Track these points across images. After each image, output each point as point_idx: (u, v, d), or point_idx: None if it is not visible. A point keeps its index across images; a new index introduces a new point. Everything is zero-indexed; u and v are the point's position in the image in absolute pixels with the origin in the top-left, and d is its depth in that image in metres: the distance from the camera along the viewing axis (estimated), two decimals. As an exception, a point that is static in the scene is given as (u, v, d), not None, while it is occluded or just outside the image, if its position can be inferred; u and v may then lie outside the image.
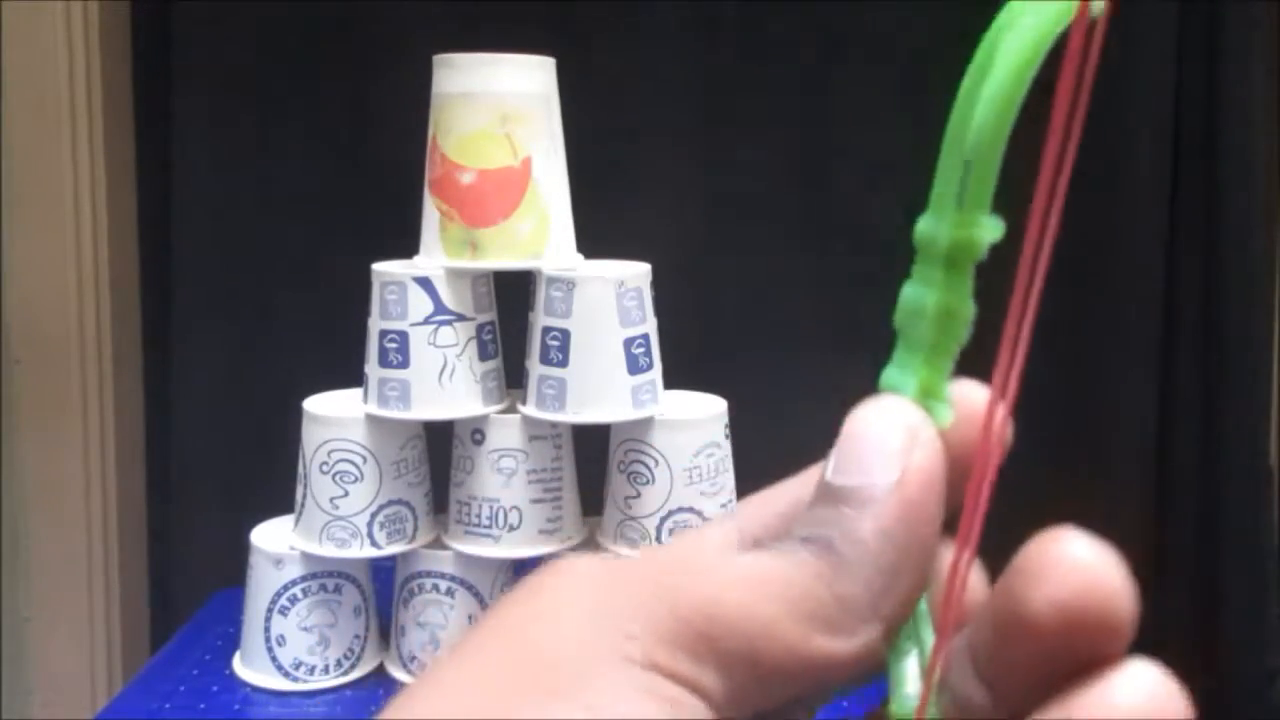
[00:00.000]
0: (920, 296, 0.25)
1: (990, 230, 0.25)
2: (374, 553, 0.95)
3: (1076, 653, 0.23)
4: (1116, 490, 1.34)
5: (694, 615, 0.22)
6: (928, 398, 0.25)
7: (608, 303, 0.91)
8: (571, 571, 0.24)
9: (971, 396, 0.26)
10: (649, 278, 0.94)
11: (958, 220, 0.25)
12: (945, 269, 0.25)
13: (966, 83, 0.25)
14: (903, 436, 0.24)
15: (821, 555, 0.23)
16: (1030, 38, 0.24)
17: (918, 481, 0.24)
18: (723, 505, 0.95)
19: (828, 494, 0.24)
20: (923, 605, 0.25)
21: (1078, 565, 0.23)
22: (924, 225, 0.26)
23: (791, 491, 0.26)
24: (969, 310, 0.25)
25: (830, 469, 0.25)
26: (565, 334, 0.91)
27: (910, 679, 0.25)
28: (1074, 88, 0.24)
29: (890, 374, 0.26)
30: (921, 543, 0.24)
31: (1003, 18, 0.25)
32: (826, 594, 0.23)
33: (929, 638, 0.25)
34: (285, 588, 0.95)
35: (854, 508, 0.24)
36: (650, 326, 0.94)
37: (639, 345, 0.92)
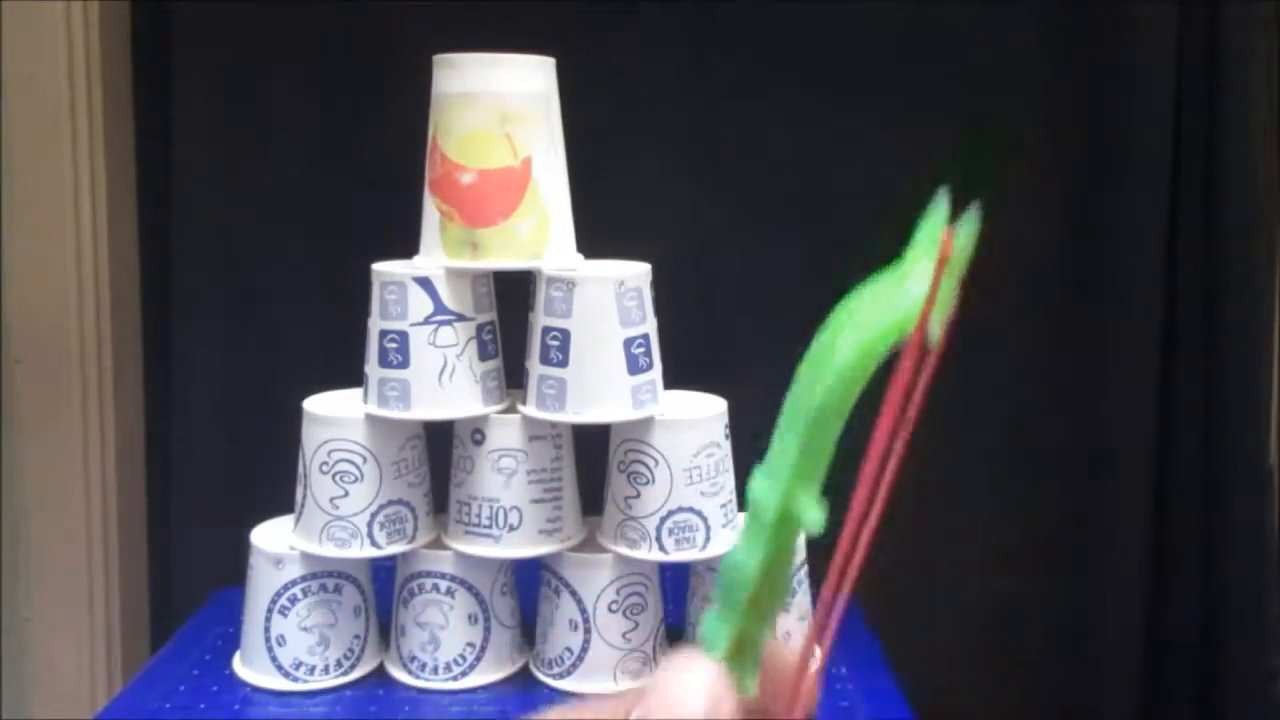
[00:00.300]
0: (745, 558, 0.27)
1: (813, 514, 0.27)
2: (374, 553, 0.95)
3: None
4: (1116, 491, 1.34)
5: None
6: (740, 653, 0.28)
7: (608, 303, 0.91)
8: None
9: (777, 655, 0.28)
10: (649, 278, 0.94)
11: (788, 492, 0.27)
12: (773, 534, 0.27)
13: (808, 362, 0.26)
14: (702, 709, 0.26)
15: None
16: (864, 347, 0.25)
17: None
18: (722, 505, 0.95)
19: None
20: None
21: None
22: (758, 487, 0.28)
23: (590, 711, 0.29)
24: (787, 581, 0.28)
25: (637, 714, 0.27)
26: (565, 334, 0.91)
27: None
28: (899, 410, 0.25)
29: (709, 624, 0.28)
30: None
31: (845, 313, 0.26)
32: None
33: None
34: (285, 588, 0.95)
35: None
36: (650, 326, 0.94)
37: (639, 345, 0.92)
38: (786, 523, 0.27)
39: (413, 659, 0.97)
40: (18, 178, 1.26)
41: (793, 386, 0.27)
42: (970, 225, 0.24)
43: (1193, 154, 1.30)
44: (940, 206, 0.24)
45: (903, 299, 0.24)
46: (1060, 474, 1.36)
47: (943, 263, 0.24)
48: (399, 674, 0.98)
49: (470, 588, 0.96)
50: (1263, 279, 1.30)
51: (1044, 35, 1.31)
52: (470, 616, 0.97)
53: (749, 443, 1.01)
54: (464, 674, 0.97)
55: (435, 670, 0.97)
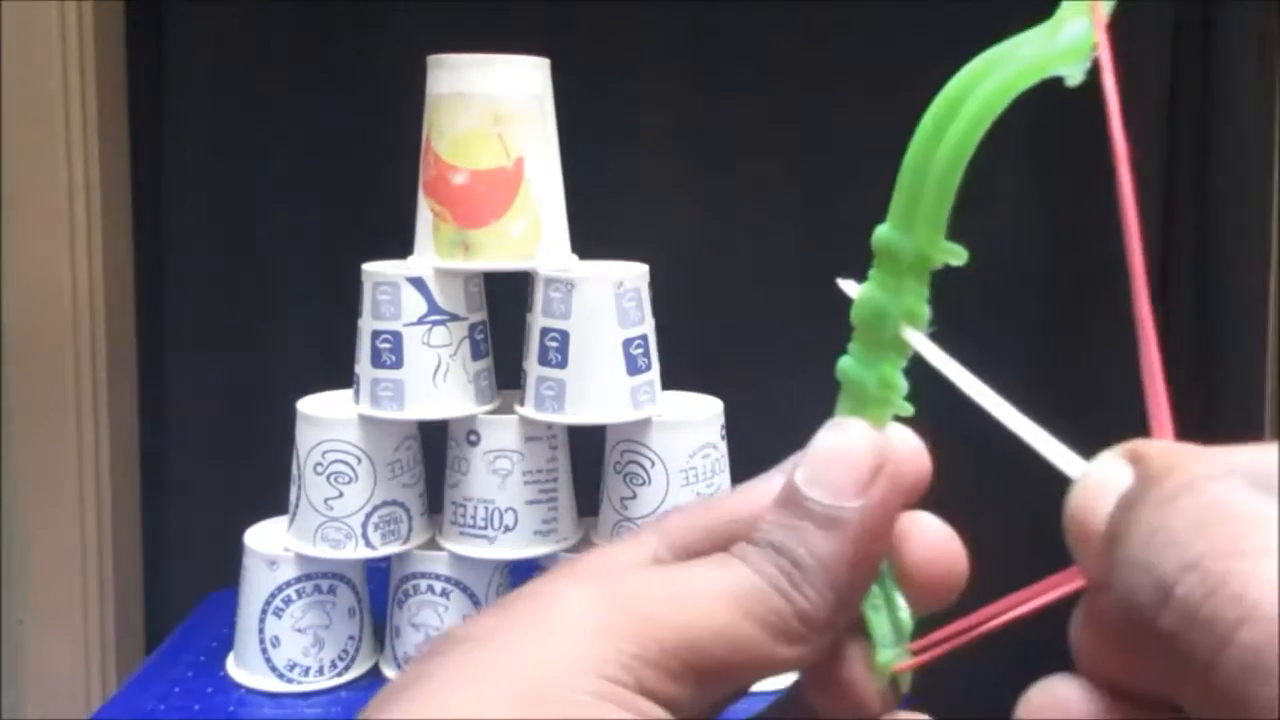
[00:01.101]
0: (885, 300, 0.27)
1: (949, 256, 0.27)
2: (369, 554, 0.94)
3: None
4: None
5: (679, 646, 0.25)
6: (886, 389, 0.28)
7: (607, 303, 0.90)
8: (572, 596, 0.25)
9: (899, 436, 0.28)
10: (647, 278, 0.94)
11: (925, 237, 0.27)
12: (909, 276, 0.27)
13: (941, 106, 0.26)
14: (870, 468, 0.26)
15: (786, 569, 0.26)
16: (1006, 81, 0.26)
17: (878, 512, 0.26)
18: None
19: (797, 504, 0.26)
20: (884, 566, 0.28)
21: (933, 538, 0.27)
22: (887, 234, 0.27)
23: (727, 505, 0.28)
24: (926, 314, 0.27)
25: (802, 477, 0.26)
26: (564, 335, 0.91)
27: (886, 636, 0.28)
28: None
29: (850, 366, 0.28)
30: (873, 563, 0.27)
31: (985, 62, 0.27)
32: (789, 609, 0.25)
33: (894, 595, 0.28)
34: (279, 589, 0.95)
35: (820, 526, 0.26)
36: (649, 327, 0.94)
37: (638, 346, 0.92)
38: (924, 263, 0.27)
39: (408, 660, 0.97)
40: (12, 180, 1.25)
41: (915, 138, 0.27)
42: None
43: (1188, 153, 1.30)
44: None
45: (1060, 41, 0.26)
46: (1056, 478, 1.36)
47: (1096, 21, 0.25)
48: (394, 675, 0.98)
49: (465, 589, 0.96)
50: (1257, 280, 1.30)
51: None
52: (465, 618, 0.96)
53: (745, 444, 1.01)
54: (459, 675, 0.96)
55: (430, 672, 0.96)
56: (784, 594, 0.25)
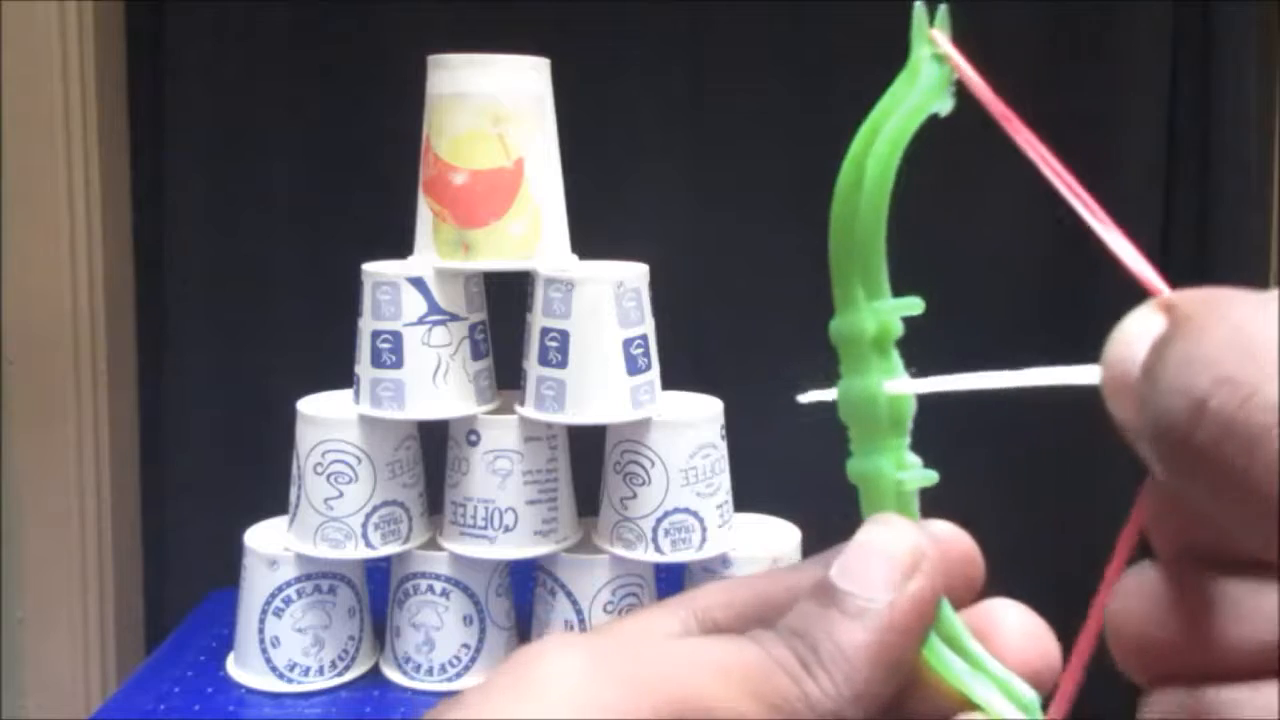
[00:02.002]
0: (865, 387, 0.27)
1: (904, 311, 0.27)
2: (369, 554, 0.94)
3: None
4: (1111, 493, 1.34)
5: (670, 716, 0.24)
6: (901, 470, 0.27)
7: (607, 303, 0.90)
8: (556, 659, 0.25)
9: (958, 538, 0.28)
10: (647, 278, 0.94)
11: (872, 310, 0.27)
12: (875, 354, 0.27)
13: (841, 188, 0.28)
14: (907, 561, 0.26)
15: (801, 653, 0.25)
16: (891, 139, 0.27)
17: (910, 607, 0.25)
18: (719, 506, 0.95)
19: (826, 593, 0.26)
20: (971, 645, 0.27)
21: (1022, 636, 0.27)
22: (841, 324, 0.28)
23: (761, 586, 0.28)
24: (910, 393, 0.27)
25: (836, 568, 0.26)
26: (564, 335, 0.91)
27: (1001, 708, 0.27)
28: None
29: (858, 464, 0.28)
30: (900, 662, 0.25)
31: (868, 126, 0.28)
32: (795, 692, 0.25)
33: (991, 663, 0.27)
34: (279, 589, 0.95)
35: (847, 615, 0.25)
36: (649, 327, 0.94)
37: (638, 346, 0.92)
38: (885, 336, 0.27)
39: (407, 660, 0.97)
40: (12, 179, 1.25)
41: (833, 223, 0.28)
42: (942, 19, 0.27)
43: (1187, 153, 1.30)
44: (918, 16, 0.27)
45: (915, 94, 0.27)
46: (1057, 480, 1.36)
47: (947, 48, 0.27)
48: (394, 675, 0.98)
49: (465, 589, 0.96)
50: (1257, 280, 1.30)
51: (1042, 36, 1.31)
52: (465, 618, 0.96)
53: (745, 444, 1.01)
54: (459, 675, 0.97)
55: (430, 671, 0.97)
56: (794, 677, 0.25)
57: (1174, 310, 0.22)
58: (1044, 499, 1.37)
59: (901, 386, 0.27)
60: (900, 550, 0.26)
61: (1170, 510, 0.24)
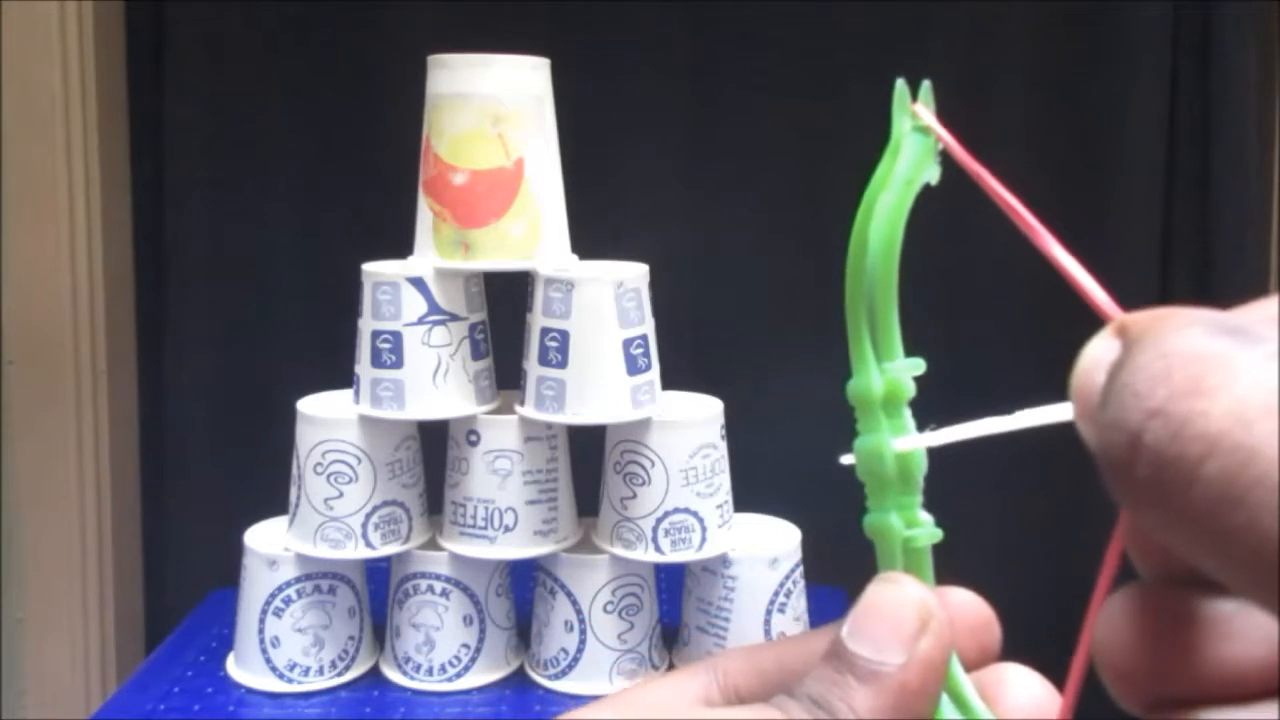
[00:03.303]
0: (874, 445, 0.29)
1: (911, 372, 0.29)
2: (369, 554, 0.94)
3: None
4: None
5: None
6: (911, 528, 0.28)
7: (607, 304, 0.90)
8: None
9: (972, 604, 0.28)
10: (647, 278, 0.94)
11: (882, 371, 0.29)
12: (886, 416, 0.29)
13: (850, 260, 0.29)
14: (915, 623, 0.26)
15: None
16: (890, 210, 0.29)
17: (921, 669, 0.26)
18: (719, 506, 0.95)
19: (840, 656, 0.26)
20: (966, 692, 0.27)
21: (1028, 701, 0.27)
22: (854, 385, 0.29)
23: (781, 651, 0.29)
24: (921, 451, 0.28)
25: (847, 630, 0.26)
26: (564, 335, 0.91)
27: None
28: None
29: (874, 520, 0.29)
30: (915, 715, 0.26)
31: (867, 200, 0.29)
32: None
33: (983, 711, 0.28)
34: (279, 589, 0.95)
35: (860, 679, 0.26)
36: (649, 327, 0.94)
37: (638, 346, 0.92)
38: (895, 397, 0.29)
39: (407, 660, 0.97)
40: (12, 178, 1.25)
41: (847, 293, 0.29)
42: (925, 93, 0.29)
43: (1188, 152, 1.30)
44: (900, 93, 0.29)
45: (901, 167, 0.29)
46: (1055, 479, 1.36)
47: (930, 122, 0.29)
48: (394, 675, 0.98)
49: (465, 589, 0.96)
50: (1257, 282, 1.30)
51: (1042, 38, 1.31)
52: (465, 618, 0.96)
53: (745, 444, 1.01)
54: (459, 675, 0.97)
55: (430, 671, 0.97)
56: None
57: (1126, 334, 0.22)
58: (1050, 497, 1.37)
59: (909, 443, 0.28)
60: (908, 611, 0.26)
61: (1146, 534, 0.24)
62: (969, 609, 0.28)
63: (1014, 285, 1.34)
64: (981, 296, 1.32)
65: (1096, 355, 0.22)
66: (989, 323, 1.33)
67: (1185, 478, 0.19)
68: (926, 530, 0.29)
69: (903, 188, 0.29)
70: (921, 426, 0.29)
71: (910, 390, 0.29)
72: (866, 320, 0.29)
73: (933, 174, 0.29)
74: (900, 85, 0.29)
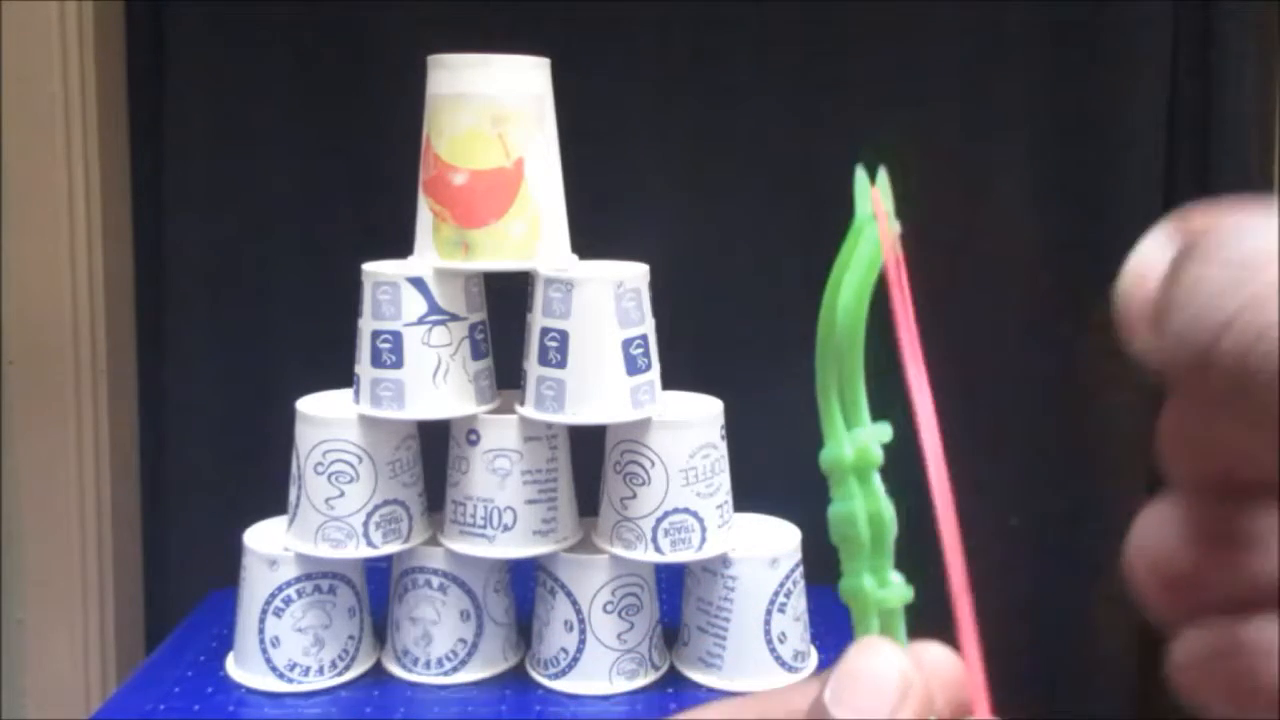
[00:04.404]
0: (846, 510, 0.30)
1: (878, 439, 0.30)
2: (370, 553, 0.94)
3: None
4: (1111, 492, 1.34)
5: None
6: (881, 589, 0.30)
7: (606, 303, 0.91)
8: None
9: (946, 661, 0.29)
10: (647, 278, 0.94)
11: (851, 439, 0.30)
12: (857, 481, 0.30)
13: (819, 336, 0.31)
14: (896, 693, 0.26)
15: None
16: (854, 288, 0.30)
17: None
18: (718, 506, 0.95)
19: None
20: None
21: None
22: (826, 454, 0.31)
23: (762, 705, 0.28)
24: (889, 509, 0.30)
25: (829, 696, 0.26)
26: (564, 335, 0.91)
27: None
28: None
29: (847, 584, 0.31)
30: None
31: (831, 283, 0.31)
32: None
33: None
34: (280, 589, 0.95)
35: None
36: (649, 327, 0.94)
37: (638, 346, 0.92)
38: (865, 464, 0.30)
39: (406, 653, 0.97)
40: (12, 180, 1.25)
41: (817, 366, 0.31)
42: (882, 180, 0.31)
43: (1187, 150, 1.30)
44: (860, 181, 0.31)
45: (863, 251, 0.30)
46: (1055, 476, 1.36)
47: (880, 211, 0.30)
48: (393, 668, 0.98)
49: (462, 584, 0.96)
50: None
51: (1042, 36, 1.31)
52: (463, 613, 0.96)
53: (745, 444, 1.01)
54: (455, 669, 0.97)
55: (427, 665, 0.97)
56: None
57: (1190, 231, 0.21)
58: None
59: (892, 593, 0.30)
60: (889, 680, 0.27)
61: (1193, 437, 0.23)
62: (942, 666, 0.28)
63: (1010, 283, 1.34)
64: (977, 296, 1.32)
65: (1150, 258, 0.22)
66: (983, 323, 1.33)
67: (1267, 384, 0.19)
68: (898, 590, 0.30)
69: (865, 269, 0.30)
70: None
71: (879, 457, 0.30)
72: (836, 392, 0.31)
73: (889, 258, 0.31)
74: (860, 173, 0.31)
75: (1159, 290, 0.21)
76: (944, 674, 0.28)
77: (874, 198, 0.31)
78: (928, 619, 0.31)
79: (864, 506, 0.30)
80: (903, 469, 0.31)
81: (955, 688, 0.28)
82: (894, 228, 0.30)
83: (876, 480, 0.30)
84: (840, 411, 0.30)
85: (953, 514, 0.28)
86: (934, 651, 0.28)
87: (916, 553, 0.31)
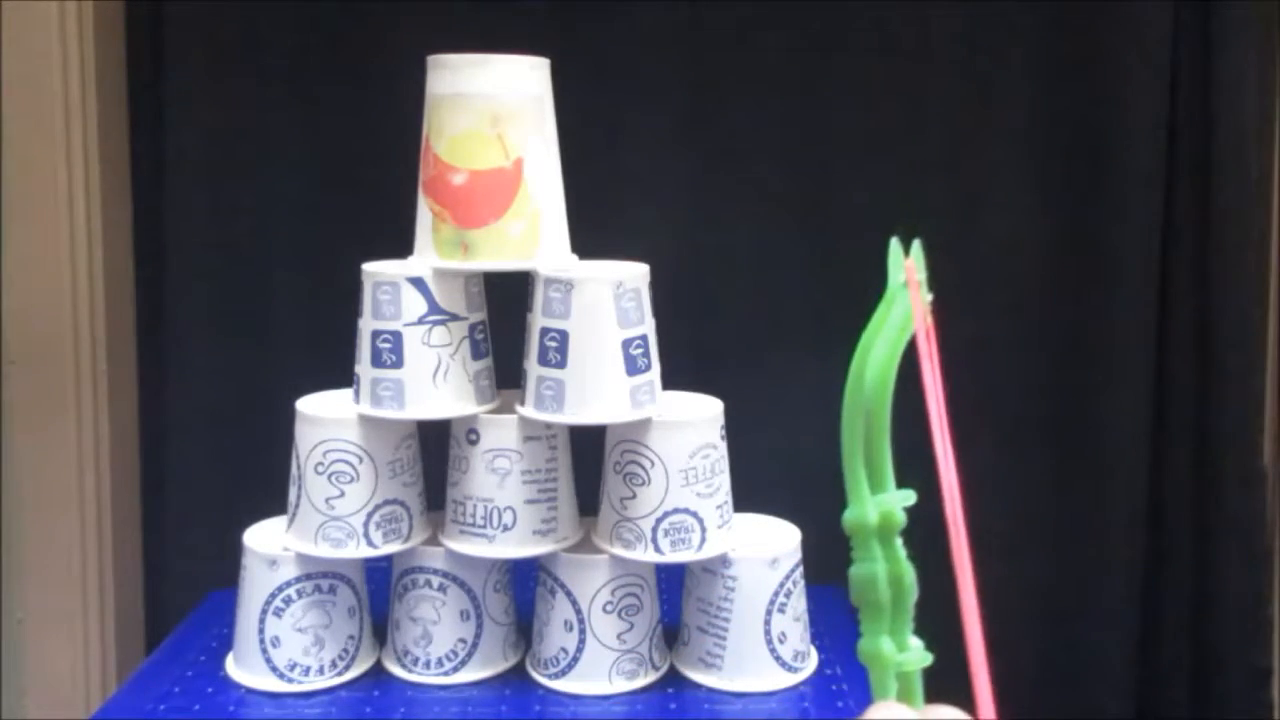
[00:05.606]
0: (868, 572, 0.31)
1: (902, 503, 0.31)
2: (370, 552, 0.94)
3: None
4: (1110, 491, 1.34)
5: None
6: (900, 653, 0.31)
7: (606, 304, 0.91)
8: None
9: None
10: (647, 278, 0.94)
11: (876, 503, 0.31)
12: (880, 544, 0.31)
13: (846, 402, 0.31)
14: None
15: None
16: (885, 353, 0.31)
17: None
18: (718, 507, 0.95)
19: None
20: None
21: None
22: (850, 515, 0.31)
23: None
24: (910, 572, 0.31)
25: None
26: (564, 335, 0.91)
27: None
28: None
29: (866, 644, 0.31)
30: None
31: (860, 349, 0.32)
32: None
33: None
34: (280, 589, 0.95)
35: None
36: (648, 327, 0.94)
37: (637, 346, 0.92)
38: (888, 526, 0.31)
39: (406, 653, 0.97)
40: (12, 179, 1.25)
41: (843, 428, 0.31)
42: (916, 251, 0.31)
43: (1186, 152, 1.30)
44: (894, 250, 0.31)
45: (895, 317, 0.31)
46: (1054, 475, 1.36)
47: (913, 282, 0.31)
48: (394, 668, 0.98)
49: (462, 584, 0.96)
50: (1255, 279, 1.30)
51: (1043, 37, 1.31)
52: (462, 613, 0.96)
53: (745, 444, 1.01)
54: (455, 669, 0.97)
55: (427, 665, 0.97)
56: None
57: None
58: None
59: (913, 659, 0.31)
60: None
61: None
62: None
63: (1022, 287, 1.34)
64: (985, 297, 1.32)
65: None
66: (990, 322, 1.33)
67: None
68: (917, 655, 0.31)
69: (896, 334, 0.31)
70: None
71: (902, 520, 0.31)
72: (861, 454, 0.31)
73: (919, 326, 0.32)
74: (894, 243, 0.32)
75: None
76: None
77: (908, 268, 0.31)
78: (946, 680, 0.31)
79: (886, 569, 0.31)
80: (923, 529, 0.31)
81: None
82: (926, 298, 0.31)
83: (899, 544, 0.31)
84: (865, 474, 0.31)
85: (971, 581, 0.28)
86: (945, 713, 0.29)
87: (936, 615, 0.32)
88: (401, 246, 0.97)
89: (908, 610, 0.31)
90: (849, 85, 1.32)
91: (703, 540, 0.94)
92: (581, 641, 0.95)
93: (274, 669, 0.95)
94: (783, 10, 1.31)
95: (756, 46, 1.32)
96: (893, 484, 0.31)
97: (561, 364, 0.91)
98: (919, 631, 0.30)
